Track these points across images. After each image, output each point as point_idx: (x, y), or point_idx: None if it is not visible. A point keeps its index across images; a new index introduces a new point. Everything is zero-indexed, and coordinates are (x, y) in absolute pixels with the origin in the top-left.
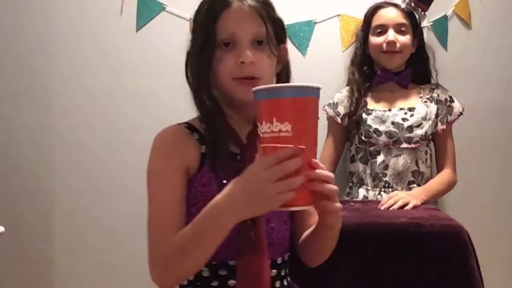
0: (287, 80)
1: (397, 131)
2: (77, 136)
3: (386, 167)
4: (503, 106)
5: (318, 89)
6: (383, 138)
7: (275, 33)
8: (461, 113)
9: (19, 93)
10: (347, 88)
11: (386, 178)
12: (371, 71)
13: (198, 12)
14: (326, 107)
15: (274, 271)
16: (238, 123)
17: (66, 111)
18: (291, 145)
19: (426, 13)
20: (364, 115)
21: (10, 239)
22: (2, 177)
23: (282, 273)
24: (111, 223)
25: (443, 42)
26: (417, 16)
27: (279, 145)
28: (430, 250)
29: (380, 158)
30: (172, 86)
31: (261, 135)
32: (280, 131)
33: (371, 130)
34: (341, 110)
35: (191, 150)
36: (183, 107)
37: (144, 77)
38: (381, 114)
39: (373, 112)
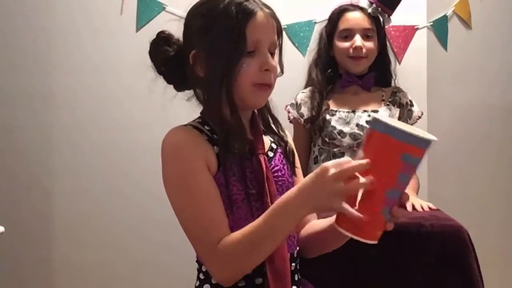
0: None
1: (361, 133)
2: (76, 136)
3: None
4: (502, 106)
5: (409, 135)
6: (347, 140)
7: (279, 43)
8: (419, 117)
9: (18, 93)
10: (310, 88)
11: None
12: (334, 74)
13: (219, 13)
14: (289, 107)
15: (293, 264)
16: (245, 123)
17: (66, 111)
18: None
19: (391, 17)
20: (327, 116)
21: (10, 239)
22: (2, 177)
23: (298, 267)
24: (111, 223)
25: (443, 42)
26: (381, 20)
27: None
28: (430, 250)
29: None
30: (172, 85)
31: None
32: (359, 158)
33: (335, 131)
34: (305, 111)
35: (208, 149)
36: (183, 107)
37: (144, 77)
38: (345, 116)
39: (337, 113)
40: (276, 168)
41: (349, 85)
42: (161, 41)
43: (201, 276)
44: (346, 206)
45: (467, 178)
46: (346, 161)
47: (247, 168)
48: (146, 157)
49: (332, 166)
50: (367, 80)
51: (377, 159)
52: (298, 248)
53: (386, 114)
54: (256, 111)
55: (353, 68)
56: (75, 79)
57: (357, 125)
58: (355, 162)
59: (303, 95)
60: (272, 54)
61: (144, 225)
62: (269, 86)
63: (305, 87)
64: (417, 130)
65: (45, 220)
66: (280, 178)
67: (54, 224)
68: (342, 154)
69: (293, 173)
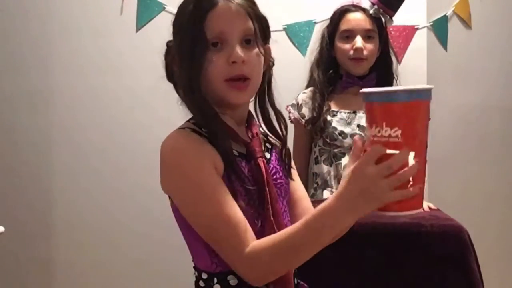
0: (269, 81)
1: (362, 134)
2: (76, 136)
3: None
4: (502, 106)
5: (428, 90)
6: (348, 141)
7: (261, 31)
8: None
9: (19, 93)
10: (311, 89)
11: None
12: (336, 74)
13: (181, 14)
14: (290, 107)
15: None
16: (232, 124)
17: (66, 111)
18: (399, 151)
19: (393, 18)
20: (328, 117)
21: (10, 239)
22: (2, 177)
23: (295, 270)
24: (111, 223)
25: (443, 42)
26: (383, 21)
27: (388, 150)
28: (430, 250)
29: (345, 160)
30: (172, 86)
31: (371, 138)
32: (389, 136)
33: (336, 132)
34: (306, 112)
35: (211, 151)
36: (182, 106)
37: (144, 77)
38: (346, 116)
39: (338, 114)
40: (274, 171)
41: (350, 86)
42: (166, 51)
43: (201, 284)
44: (399, 193)
45: (467, 178)
46: (377, 152)
47: (247, 172)
48: (146, 157)
49: (366, 163)
50: (368, 81)
51: (410, 128)
52: None
53: None
54: (257, 108)
55: (353, 69)
56: (75, 79)
57: (358, 126)
58: (394, 155)
59: (304, 95)
60: (250, 42)
61: (144, 225)
62: (243, 80)
63: (306, 87)
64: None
65: (45, 220)
66: (278, 181)
67: (54, 224)
68: (343, 155)
69: (289, 174)
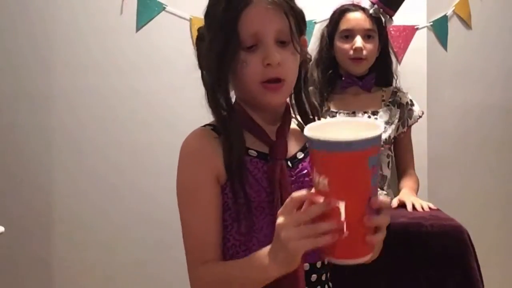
0: (305, 77)
1: None
2: (76, 136)
3: None
4: (502, 106)
5: (367, 140)
6: None
7: (297, 26)
8: (420, 116)
9: (19, 94)
10: (310, 88)
11: None
12: (335, 74)
13: (212, 10)
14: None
15: (314, 276)
16: (262, 124)
17: (66, 111)
18: (322, 201)
19: (393, 17)
20: (328, 118)
21: (10, 239)
22: (2, 177)
23: (323, 278)
24: (111, 224)
25: (443, 42)
26: (383, 21)
27: (313, 197)
28: (430, 250)
29: None
30: (172, 85)
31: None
32: (319, 183)
33: None
34: None
35: (219, 157)
36: (182, 106)
37: (144, 77)
38: (345, 117)
39: (337, 115)
40: (305, 171)
41: (349, 86)
42: (196, 41)
43: None
44: (309, 241)
45: (467, 178)
46: (294, 202)
47: (263, 173)
48: (146, 158)
49: (282, 212)
50: (368, 81)
51: (339, 177)
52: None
53: (386, 115)
54: (293, 102)
55: (353, 69)
56: (75, 79)
57: None
58: (311, 207)
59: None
60: (286, 43)
61: (144, 225)
62: (279, 81)
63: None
64: (352, 122)
65: (45, 220)
66: (310, 184)
67: (54, 224)
68: None
69: None
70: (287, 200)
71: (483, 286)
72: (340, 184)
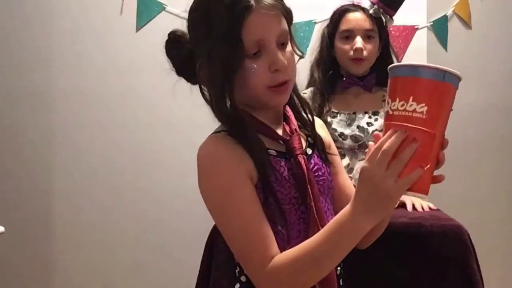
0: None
1: (362, 135)
2: (76, 136)
3: (351, 170)
4: (503, 106)
5: (460, 78)
6: (348, 142)
7: (289, 26)
8: None
9: (19, 94)
10: (311, 89)
11: (351, 182)
12: (336, 75)
13: (212, 16)
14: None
15: (338, 268)
16: (269, 122)
17: (66, 111)
18: (422, 128)
19: (393, 18)
20: (329, 118)
21: (10, 239)
22: (2, 177)
23: (342, 271)
24: (111, 224)
25: (443, 42)
26: (383, 21)
27: (409, 125)
28: (430, 250)
29: (345, 162)
30: (172, 85)
31: (390, 112)
32: (414, 111)
33: (336, 133)
34: None
35: (248, 159)
36: (182, 107)
37: (144, 77)
38: (346, 118)
39: (338, 115)
40: (316, 167)
41: (350, 87)
42: (172, 45)
43: (242, 279)
44: (407, 179)
45: (467, 178)
46: (378, 146)
47: (287, 170)
48: (146, 157)
49: (371, 158)
50: (368, 81)
51: (437, 107)
52: None
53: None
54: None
55: (353, 69)
56: (75, 79)
57: (358, 127)
58: (390, 141)
59: (304, 96)
60: (285, 44)
61: (144, 226)
62: (285, 83)
63: (307, 87)
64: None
65: (45, 220)
66: (321, 178)
67: (54, 224)
68: (343, 156)
69: (327, 165)
70: (374, 148)
71: (483, 286)
72: (438, 114)
